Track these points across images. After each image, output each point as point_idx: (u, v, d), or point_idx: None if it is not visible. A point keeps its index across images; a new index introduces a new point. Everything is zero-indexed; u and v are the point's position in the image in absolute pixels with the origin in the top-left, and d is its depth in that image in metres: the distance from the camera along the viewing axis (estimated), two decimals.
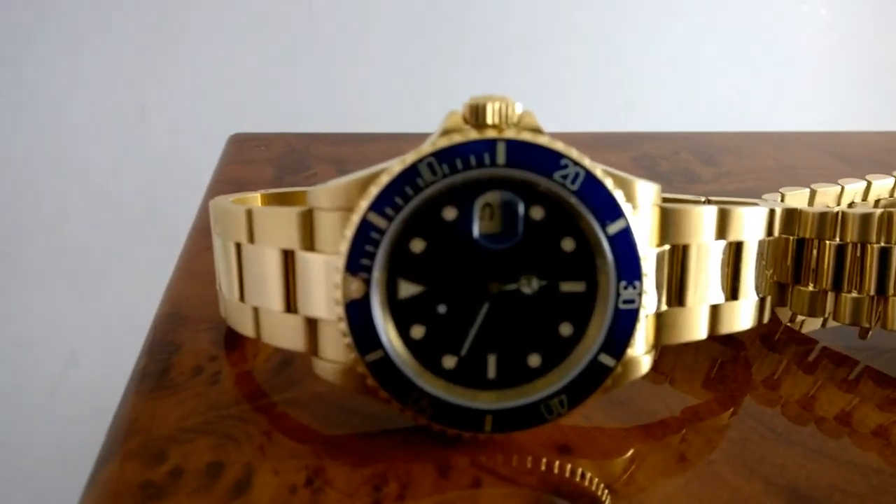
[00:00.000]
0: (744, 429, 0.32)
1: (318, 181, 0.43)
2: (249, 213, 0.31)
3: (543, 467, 0.29)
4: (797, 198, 0.42)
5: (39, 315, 0.91)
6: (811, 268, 0.37)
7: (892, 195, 0.45)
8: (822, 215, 0.36)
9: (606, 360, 0.29)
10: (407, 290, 0.29)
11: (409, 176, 0.28)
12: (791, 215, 0.37)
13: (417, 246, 0.29)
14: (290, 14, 0.91)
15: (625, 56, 0.95)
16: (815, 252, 0.37)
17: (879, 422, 0.33)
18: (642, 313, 0.29)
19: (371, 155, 0.58)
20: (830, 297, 0.37)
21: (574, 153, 0.28)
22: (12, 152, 0.91)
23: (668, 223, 0.31)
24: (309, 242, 0.30)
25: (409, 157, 0.28)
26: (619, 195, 0.28)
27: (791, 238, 0.38)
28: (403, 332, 0.29)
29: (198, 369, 0.34)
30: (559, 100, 0.94)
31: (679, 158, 0.58)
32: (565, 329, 0.29)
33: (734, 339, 0.39)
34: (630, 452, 0.30)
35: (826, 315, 0.37)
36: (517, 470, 0.29)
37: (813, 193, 0.43)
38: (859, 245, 0.36)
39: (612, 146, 0.60)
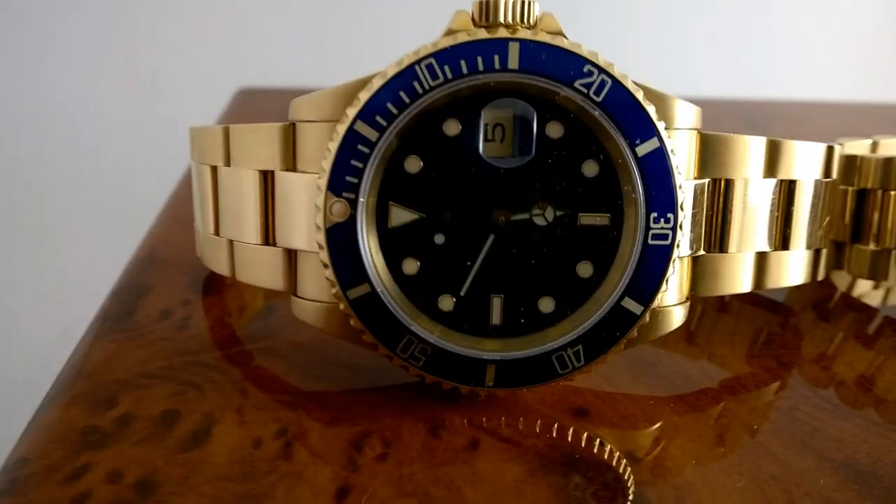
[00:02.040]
0: (794, 398, 0.28)
1: None
2: (226, 132, 0.27)
3: (554, 432, 0.25)
4: (858, 149, 0.37)
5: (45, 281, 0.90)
6: (873, 224, 0.33)
7: None
8: (888, 161, 0.32)
9: (631, 305, 0.25)
10: (399, 216, 0.25)
11: (405, 80, 0.24)
12: (851, 163, 0.33)
13: (413, 165, 0.24)
14: None
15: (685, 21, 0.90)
16: (878, 205, 0.32)
17: None
18: (675, 253, 0.25)
19: None
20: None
21: (600, 59, 0.24)
22: (19, 119, 0.89)
23: (709, 152, 0.26)
24: (290, 161, 0.25)
25: (407, 59, 0.24)
26: (651, 111, 0.24)
27: (850, 189, 0.33)
28: (394, 266, 0.25)
29: (166, 313, 0.30)
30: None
31: (721, 124, 0.53)
32: (584, 269, 0.25)
33: (781, 306, 0.34)
34: (659, 423, 0.26)
35: (890, 281, 0.32)
36: (522, 433, 0.25)
37: (875, 145, 0.38)
38: None
39: None
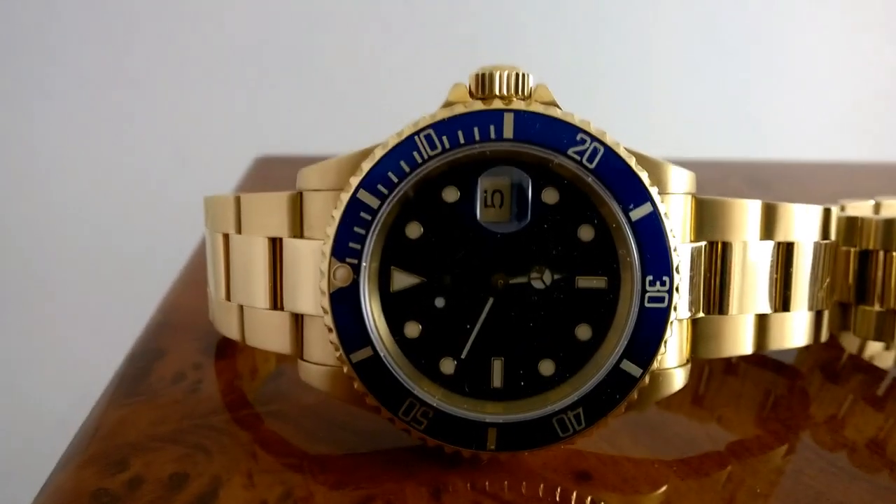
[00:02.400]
0: (800, 461, 0.28)
1: None
2: (238, 201, 0.28)
3: (557, 496, 0.25)
4: (860, 210, 0.38)
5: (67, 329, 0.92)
6: (877, 284, 0.33)
7: None
8: (889, 223, 0.32)
9: (630, 368, 0.25)
10: (401, 280, 0.25)
11: (405, 150, 0.25)
12: (853, 224, 0.33)
13: (414, 231, 0.25)
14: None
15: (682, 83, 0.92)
16: (881, 266, 0.33)
17: None
18: (673, 315, 0.25)
19: None
20: None
21: (592, 127, 0.25)
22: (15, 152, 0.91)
23: (705, 216, 0.27)
24: (298, 228, 0.26)
25: (406, 130, 0.25)
26: (644, 177, 0.25)
27: (853, 250, 0.33)
28: (396, 330, 0.25)
29: (179, 376, 0.31)
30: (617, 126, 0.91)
31: (728, 185, 0.54)
32: (583, 331, 0.25)
33: (789, 368, 0.34)
34: (663, 488, 0.26)
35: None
36: (525, 497, 0.25)
37: (878, 206, 0.38)
38: None
39: None
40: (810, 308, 0.30)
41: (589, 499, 0.25)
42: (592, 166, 0.25)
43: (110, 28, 0.90)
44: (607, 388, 0.25)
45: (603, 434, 0.28)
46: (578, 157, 0.25)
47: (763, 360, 0.34)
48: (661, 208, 0.25)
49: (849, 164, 0.60)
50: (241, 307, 0.29)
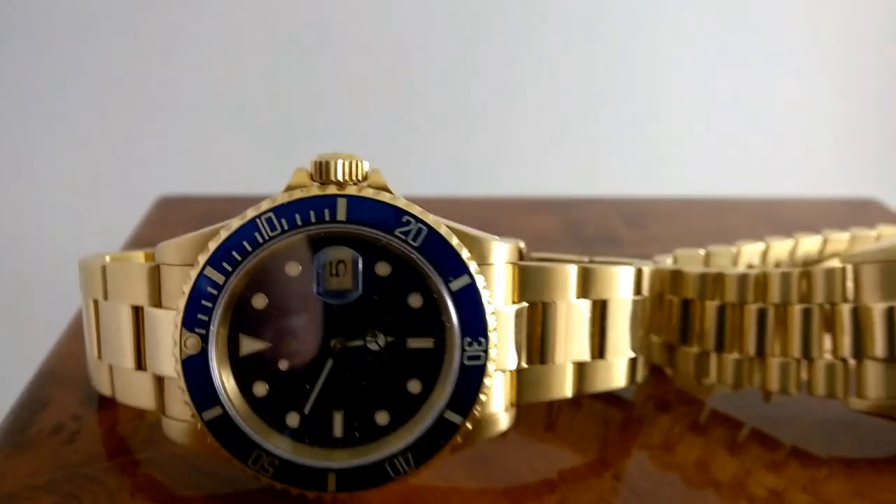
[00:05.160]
0: (631, 481, 0.32)
1: None
2: (103, 269, 0.31)
3: None
4: (691, 259, 0.42)
5: None
6: (695, 328, 0.37)
7: (791, 257, 0.44)
8: (703, 276, 0.36)
9: (453, 417, 0.29)
10: (248, 346, 0.28)
11: (248, 231, 0.28)
12: (676, 276, 0.37)
13: (259, 302, 0.28)
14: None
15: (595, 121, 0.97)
16: (699, 313, 0.37)
17: (770, 485, 0.32)
18: (490, 369, 0.29)
19: None
20: (714, 357, 0.36)
21: (416, 210, 0.28)
22: None
23: (526, 281, 0.31)
24: (157, 298, 0.29)
25: (249, 213, 0.28)
26: (464, 253, 0.28)
27: (675, 299, 0.38)
28: (245, 389, 0.28)
29: (58, 427, 0.33)
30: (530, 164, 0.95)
31: (607, 222, 0.58)
32: (413, 386, 0.29)
33: (622, 400, 0.38)
34: None
35: (711, 377, 0.37)
36: None
37: (707, 255, 0.43)
38: (739, 306, 0.35)
39: (541, 210, 0.60)
40: (624, 355, 0.34)
41: None
42: (417, 244, 0.28)
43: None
44: (433, 435, 0.29)
45: (438, 471, 0.31)
46: (404, 237, 0.28)
47: (608, 396, 0.38)
48: (479, 279, 0.28)
49: (717, 199, 0.65)
50: (110, 366, 0.32)
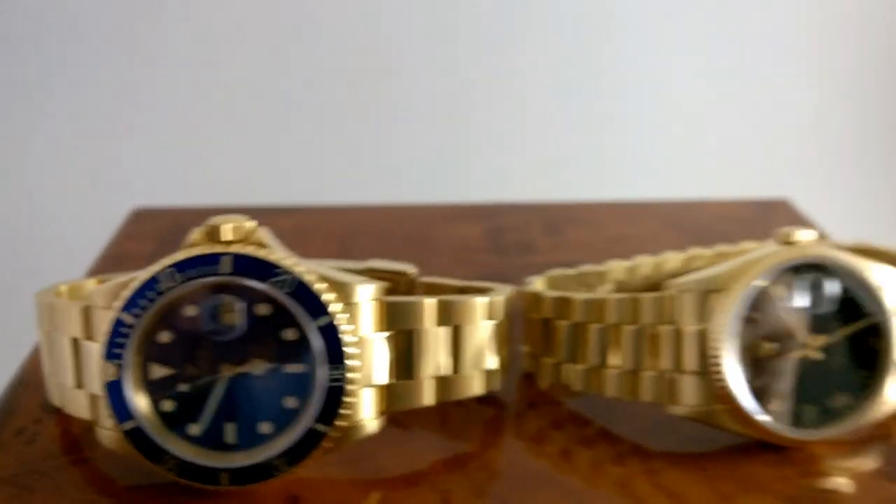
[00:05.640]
0: (504, 464, 0.39)
1: None
2: (50, 307, 0.39)
3: None
4: (562, 279, 0.49)
5: None
6: (552, 343, 0.44)
7: (658, 271, 0.51)
8: (555, 300, 0.43)
9: (321, 427, 0.36)
10: (156, 372, 0.36)
11: (153, 282, 0.35)
12: (535, 298, 0.44)
13: (164, 337, 0.36)
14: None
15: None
16: (553, 330, 0.44)
17: (618, 473, 0.39)
18: (350, 388, 0.36)
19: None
20: (567, 367, 0.43)
21: (288, 262, 0.36)
22: None
23: (391, 314, 0.38)
24: (89, 333, 0.37)
25: (154, 268, 0.35)
26: (325, 296, 0.35)
27: (537, 317, 0.44)
28: (155, 407, 0.36)
29: (21, 430, 0.41)
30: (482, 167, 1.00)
31: (527, 230, 0.64)
32: (290, 402, 0.36)
33: (496, 401, 0.45)
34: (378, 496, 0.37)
35: (565, 383, 0.43)
36: None
37: (579, 275, 0.49)
38: (584, 325, 0.42)
39: (468, 218, 0.67)
40: (482, 368, 0.41)
41: None
42: (288, 291, 0.35)
43: None
44: (305, 441, 0.36)
45: (322, 466, 0.38)
46: (277, 285, 0.35)
47: (488, 398, 0.45)
48: (340, 317, 0.36)
49: (632, 203, 0.71)
50: (59, 383, 0.40)
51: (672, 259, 0.51)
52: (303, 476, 0.38)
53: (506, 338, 0.43)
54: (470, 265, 0.59)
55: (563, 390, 0.45)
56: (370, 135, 1.01)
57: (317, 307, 0.36)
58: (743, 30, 1.04)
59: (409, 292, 0.47)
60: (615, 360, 0.42)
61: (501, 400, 0.45)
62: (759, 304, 0.39)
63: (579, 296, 0.42)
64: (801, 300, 0.39)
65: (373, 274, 0.47)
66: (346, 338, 0.36)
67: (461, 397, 0.41)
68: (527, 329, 0.46)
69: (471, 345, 0.40)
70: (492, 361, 0.42)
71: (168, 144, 0.97)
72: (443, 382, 0.40)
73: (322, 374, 0.36)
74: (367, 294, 0.37)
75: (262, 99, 1.00)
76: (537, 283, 0.47)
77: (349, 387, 0.36)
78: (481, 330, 0.41)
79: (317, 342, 0.36)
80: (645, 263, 0.51)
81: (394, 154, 1.00)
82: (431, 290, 0.46)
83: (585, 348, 0.42)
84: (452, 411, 0.44)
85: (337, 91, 1.00)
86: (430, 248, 0.61)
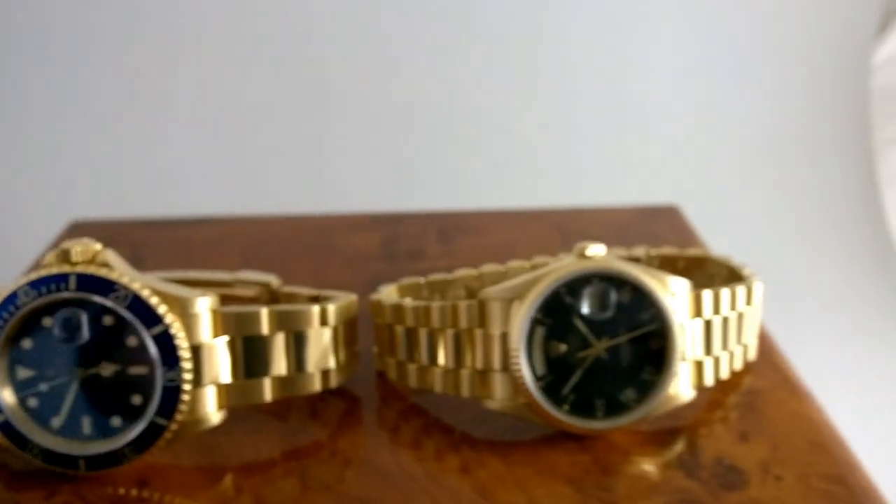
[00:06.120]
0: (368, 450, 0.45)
1: None
2: None
3: (122, 494, 0.42)
4: (412, 287, 0.54)
5: None
6: (393, 344, 0.49)
7: (504, 277, 0.56)
8: (392, 307, 0.48)
9: (161, 421, 0.42)
10: (21, 373, 0.42)
11: (13, 297, 0.42)
12: (376, 306, 0.50)
13: (26, 344, 0.42)
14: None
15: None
16: (399, 336, 0.49)
17: (460, 457, 0.44)
18: (185, 388, 0.42)
19: (175, 240, 0.71)
20: (406, 366, 0.49)
21: (125, 279, 0.41)
22: None
23: (228, 322, 0.43)
24: None
25: (12, 286, 0.41)
26: (160, 308, 0.41)
27: (381, 322, 0.50)
28: (22, 402, 0.42)
29: None
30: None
31: (421, 238, 0.69)
32: (136, 399, 0.42)
33: (351, 396, 0.50)
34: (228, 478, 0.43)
35: (405, 379, 0.49)
36: (102, 496, 0.42)
37: (427, 283, 0.54)
38: (415, 329, 0.47)
39: (367, 228, 0.72)
40: (319, 368, 0.47)
41: (144, 494, 0.42)
42: (126, 305, 0.41)
43: None
44: (148, 433, 0.42)
45: (175, 454, 0.44)
46: (119, 300, 0.41)
47: (335, 391, 0.50)
48: (173, 326, 0.41)
49: (523, 211, 0.75)
50: None
51: (517, 268, 0.56)
52: (153, 462, 0.44)
53: (343, 341, 0.48)
54: (361, 272, 0.64)
55: (404, 386, 0.51)
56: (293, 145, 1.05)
57: (151, 318, 0.42)
58: (630, 38, 1.06)
59: (272, 300, 0.52)
60: (440, 359, 0.47)
61: (356, 395, 0.51)
62: (552, 310, 0.44)
63: (410, 303, 0.48)
64: (589, 307, 0.44)
65: (241, 284, 0.52)
66: (180, 343, 0.42)
67: (300, 394, 0.47)
68: (376, 332, 0.51)
69: (307, 348, 0.46)
70: (331, 362, 0.47)
71: (107, 156, 1.02)
72: (281, 381, 0.46)
73: (160, 375, 0.42)
74: (204, 305, 0.43)
75: (186, 113, 1.03)
76: (387, 292, 0.52)
77: (185, 386, 0.42)
78: (317, 334, 0.46)
79: (153, 348, 0.42)
80: (492, 271, 0.56)
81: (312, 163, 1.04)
82: (288, 298, 0.52)
83: (418, 349, 0.48)
84: (306, 405, 0.50)
85: (242, 101, 1.04)
86: (327, 257, 0.67)
